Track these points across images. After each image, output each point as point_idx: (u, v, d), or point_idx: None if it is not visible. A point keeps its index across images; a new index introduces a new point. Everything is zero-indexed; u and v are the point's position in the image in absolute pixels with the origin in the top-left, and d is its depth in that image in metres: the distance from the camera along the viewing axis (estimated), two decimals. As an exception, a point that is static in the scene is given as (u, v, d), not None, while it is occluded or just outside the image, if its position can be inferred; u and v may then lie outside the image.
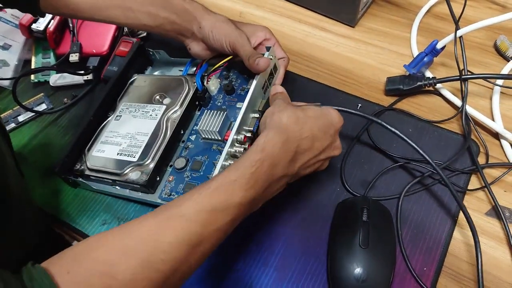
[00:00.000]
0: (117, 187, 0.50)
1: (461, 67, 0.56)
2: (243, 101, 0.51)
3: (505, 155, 0.53)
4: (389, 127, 0.45)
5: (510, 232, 0.47)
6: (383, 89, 0.59)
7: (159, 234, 0.34)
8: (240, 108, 0.49)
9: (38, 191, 0.54)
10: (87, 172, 0.51)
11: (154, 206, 0.51)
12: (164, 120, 0.51)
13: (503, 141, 0.53)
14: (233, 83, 0.55)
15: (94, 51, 0.63)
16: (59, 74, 0.62)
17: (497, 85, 0.57)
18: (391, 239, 0.46)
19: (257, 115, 0.50)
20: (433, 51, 0.56)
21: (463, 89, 0.55)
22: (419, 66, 0.57)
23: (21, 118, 0.60)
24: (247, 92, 0.52)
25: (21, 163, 0.51)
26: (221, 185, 0.37)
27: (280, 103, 0.45)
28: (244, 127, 0.48)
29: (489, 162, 0.52)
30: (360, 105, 0.57)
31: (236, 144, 0.47)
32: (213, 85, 0.55)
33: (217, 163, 0.45)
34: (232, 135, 0.46)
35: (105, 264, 0.31)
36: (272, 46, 0.54)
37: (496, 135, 0.54)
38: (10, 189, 0.43)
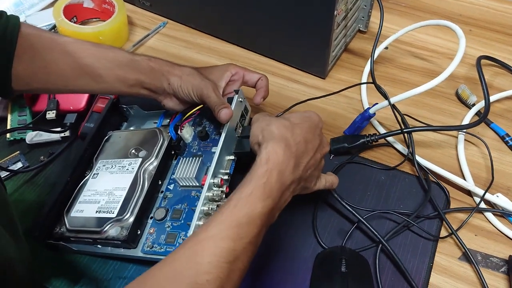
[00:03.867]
0: (98, 245, 0.50)
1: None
2: (217, 145, 0.51)
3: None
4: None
5: (482, 276, 0.48)
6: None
7: (197, 256, 0.36)
8: (215, 153, 0.50)
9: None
10: (67, 234, 0.50)
11: (135, 261, 0.50)
12: (140, 173, 0.52)
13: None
14: (206, 128, 0.56)
15: (71, 108, 0.64)
16: (36, 132, 0.62)
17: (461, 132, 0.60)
18: (370, 289, 0.47)
19: (232, 157, 0.51)
20: (368, 117, 0.59)
21: (408, 141, 0.57)
22: (357, 131, 0.60)
23: (-5, 177, 0.59)
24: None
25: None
26: (240, 200, 0.39)
27: (262, 117, 0.47)
28: (221, 170, 0.49)
29: (453, 207, 0.54)
30: (332, 155, 0.59)
31: (214, 188, 0.48)
32: (187, 133, 0.56)
33: (195, 209, 0.46)
34: (208, 179, 0.47)
35: None
36: (239, 88, 0.56)
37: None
38: None
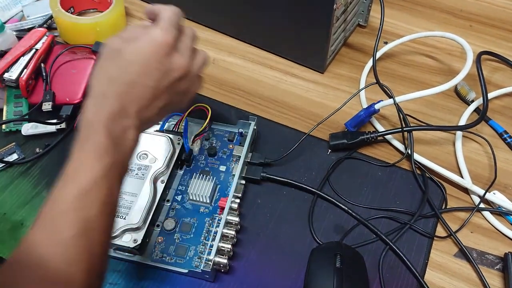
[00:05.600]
0: None
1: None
2: (225, 164, 0.57)
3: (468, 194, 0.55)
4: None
5: (481, 273, 0.48)
6: (353, 134, 0.61)
7: (54, 233, 0.33)
8: (223, 172, 0.55)
9: (7, 244, 0.53)
10: None
11: (140, 264, 0.50)
12: (152, 182, 0.52)
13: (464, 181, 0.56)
14: (214, 145, 0.58)
15: (68, 99, 0.63)
16: (31, 123, 0.62)
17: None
18: (364, 285, 0.47)
19: (243, 182, 0.54)
20: (373, 112, 0.58)
21: (406, 140, 0.58)
22: (359, 125, 0.59)
23: (-9, 169, 0.59)
24: (228, 155, 0.57)
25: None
26: (71, 164, 0.37)
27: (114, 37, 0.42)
28: (235, 193, 0.52)
29: (451, 207, 0.54)
30: (330, 150, 0.59)
31: (231, 211, 0.50)
32: (196, 146, 0.58)
33: (214, 230, 0.50)
34: (228, 203, 0.50)
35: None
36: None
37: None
38: None
